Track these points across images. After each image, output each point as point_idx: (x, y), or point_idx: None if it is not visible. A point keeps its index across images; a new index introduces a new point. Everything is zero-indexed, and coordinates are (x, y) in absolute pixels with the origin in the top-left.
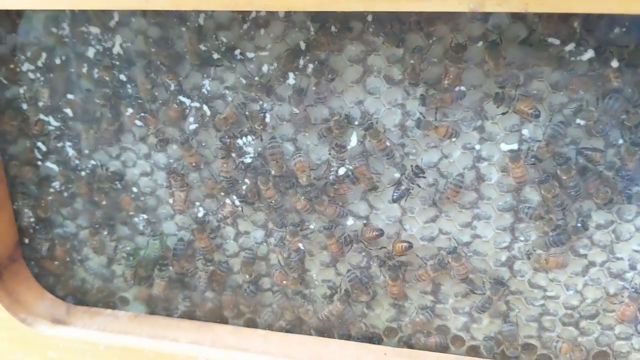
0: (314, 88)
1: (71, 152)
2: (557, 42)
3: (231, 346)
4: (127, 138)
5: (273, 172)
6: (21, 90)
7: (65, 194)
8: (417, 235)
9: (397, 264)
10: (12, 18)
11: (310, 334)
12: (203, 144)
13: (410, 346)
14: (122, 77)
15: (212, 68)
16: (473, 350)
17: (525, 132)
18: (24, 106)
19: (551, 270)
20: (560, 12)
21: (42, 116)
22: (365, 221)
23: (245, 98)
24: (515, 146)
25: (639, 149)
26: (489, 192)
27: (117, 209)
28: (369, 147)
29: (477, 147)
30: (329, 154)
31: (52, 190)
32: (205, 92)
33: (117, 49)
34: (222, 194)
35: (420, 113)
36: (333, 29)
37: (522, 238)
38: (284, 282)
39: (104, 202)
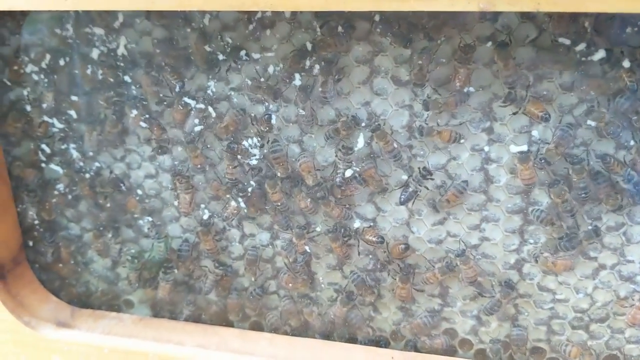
0: (320, 88)
1: (75, 154)
2: (567, 42)
3: (237, 350)
4: (132, 140)
5: (279, 174)
6: (25, 92)
7: (70, 196)
8: (425, 238)
9: (409, 267)
10: (16, 19)
11: (315, 337)
12: (208, 146)
13: (417, 350)
14: (127, 78)
15: (217, 69)
16: (481, 354)
17: (535, 133)
18: (28, 108)
19: (559, 274)
20: (572, 12)
21: (46, 118)
22: (371, 223)
23: (250, 100)
24: (524, 147)
25: None
26: (497, 194)
27: (122, 211)
28: (376, 149)
29: (486, 148)
30: (336, 156)
31: (56, 192)
32: (211, 93)
33: (121, 50)
34: (228, 195)
35: (424, 120)
36: (340, 29)
37: (531, 241)
38: (290, 285)
39: (108, 205)
